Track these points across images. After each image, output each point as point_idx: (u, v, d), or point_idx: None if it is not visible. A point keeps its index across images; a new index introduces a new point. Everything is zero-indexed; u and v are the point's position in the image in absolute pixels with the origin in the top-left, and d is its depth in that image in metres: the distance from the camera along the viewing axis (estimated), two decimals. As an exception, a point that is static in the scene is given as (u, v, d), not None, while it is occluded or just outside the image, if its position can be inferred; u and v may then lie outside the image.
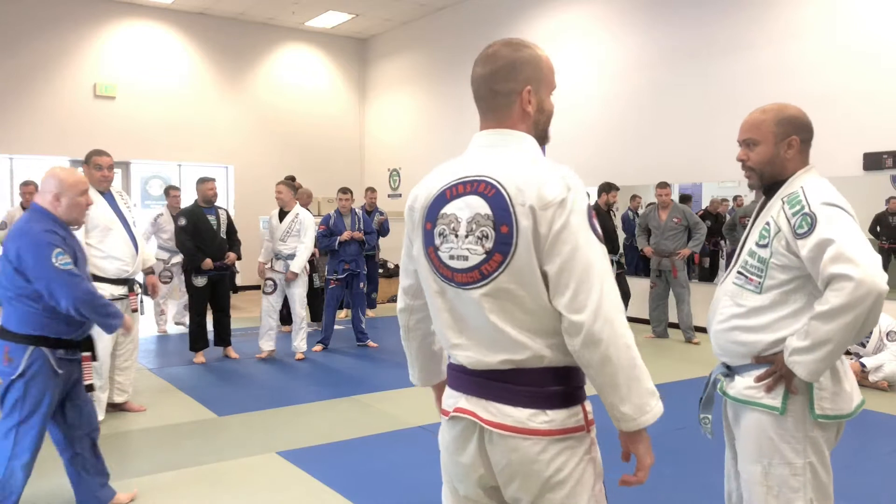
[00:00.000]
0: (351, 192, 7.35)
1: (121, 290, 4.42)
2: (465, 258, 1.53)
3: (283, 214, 6.69)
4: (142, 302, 4.69)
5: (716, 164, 7.84)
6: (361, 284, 7.22)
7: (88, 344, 3.07)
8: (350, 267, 7.07)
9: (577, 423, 1.57)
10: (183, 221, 6.31)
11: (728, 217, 7.91)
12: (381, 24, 12.96)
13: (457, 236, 1.54)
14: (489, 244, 1.50)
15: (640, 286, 8.45)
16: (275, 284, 6.62)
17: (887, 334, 5.53)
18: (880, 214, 6.70)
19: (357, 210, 7.41)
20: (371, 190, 9.38)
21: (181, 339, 7.47)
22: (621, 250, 8.03)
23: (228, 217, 6.71)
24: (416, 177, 12.65)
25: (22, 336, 2.88)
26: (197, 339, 6.48)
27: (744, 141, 2.19)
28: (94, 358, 3.10)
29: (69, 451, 3.11)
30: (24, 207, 7.39)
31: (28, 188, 7.63)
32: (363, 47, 14.10)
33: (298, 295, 6.65)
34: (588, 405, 1.61)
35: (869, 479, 3.73)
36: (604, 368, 1.46)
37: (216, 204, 6.58)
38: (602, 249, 1.49)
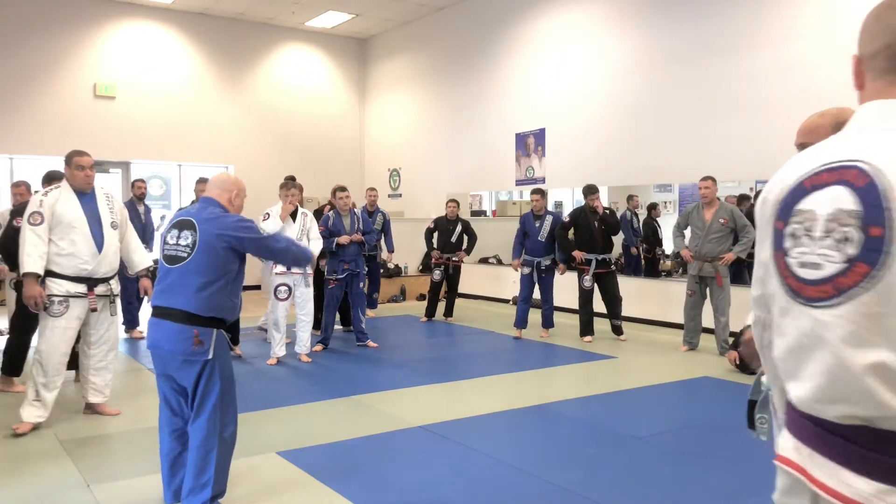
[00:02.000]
0: (348, 190, 7.28)
1: (78, 288, 4.41)
2: (818, 266, 1.19)
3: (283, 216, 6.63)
4: (112, 303, 4.62)
5: (716, 163, 7.84)
6: (361, 284, 7.21)
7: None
8: (350, 267, 7.06)
9: None
10: None
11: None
12: (381, 24, 12.96)
13: (811, 238, 1.20)
14: (851, 249, 1.15)
15: (633, 285, 8.45)
16: (289, 289, 6.56)
17: None
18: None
19: (356, 210, 7.38)
20: (371, 189, 9.34)
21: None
22: (618, 250, 7.83)
23: None
24: (416, 177, 12.71)
25: (208, 319, 3.07)
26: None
27: (800, 144, 2.07)
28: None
29: (184, 442, 3.31)
30: (14, 208, 6.91)
31: (19, 189, 7.21)
32: (363, 47, 14.10)
33: (310, 295, 6.63)
34: None
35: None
36: None
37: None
38: None
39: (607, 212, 7.67)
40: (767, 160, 7.54)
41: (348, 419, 4.78)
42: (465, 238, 9.01)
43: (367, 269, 7.81)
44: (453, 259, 8.96)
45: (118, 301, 4.76)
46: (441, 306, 9.22)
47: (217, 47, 12.51)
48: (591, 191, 7.56)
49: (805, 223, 1.22)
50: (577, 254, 7.55)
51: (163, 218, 12.49)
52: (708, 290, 6.88)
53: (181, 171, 12.48)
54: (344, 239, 6.97)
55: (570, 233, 7.72)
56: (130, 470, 3.81)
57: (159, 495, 3.43)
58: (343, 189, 7.22)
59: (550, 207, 10.43)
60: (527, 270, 7.83)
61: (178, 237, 3.11)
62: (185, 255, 3.06)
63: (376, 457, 4.03)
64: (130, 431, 4.51)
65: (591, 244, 7.52)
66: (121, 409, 4.99)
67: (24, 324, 5.33)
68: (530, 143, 10.41)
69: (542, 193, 7.92)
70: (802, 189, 1.24)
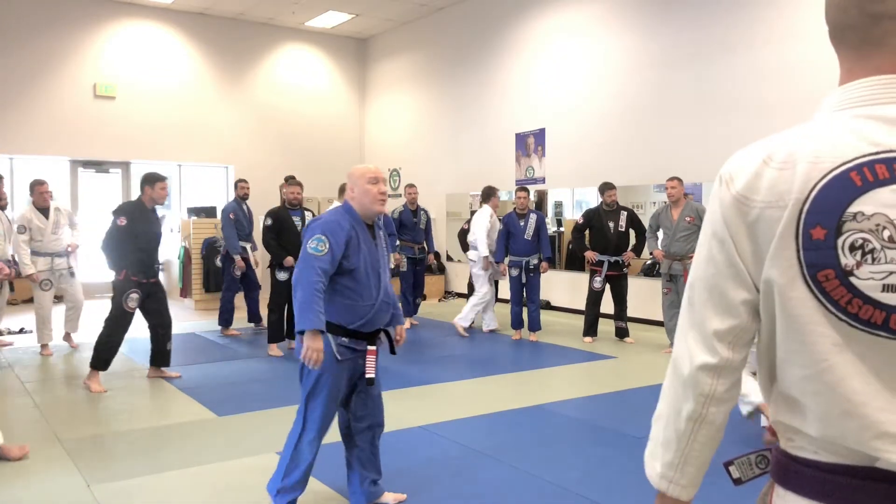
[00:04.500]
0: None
1: None
2: None
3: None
4: None
5: (716, 163, 7.82)
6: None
7: (374, 338, 3.21)
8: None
9: None
10: (269, 221, 6.74)
11: None
12: (381, 24, 12.96)
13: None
14: None
15: (637, 285, 8.45)
16: None
17: None
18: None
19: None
20: (410, 186, 8.73)
21: (181, 339, 7.47)
22: (631, 251, 7.65)
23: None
24: (416, 177, 12.69)
25: None
26: (276, 332, 6.82)
27: None
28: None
29: (350, 442, 3.30)
30: (37, 207, 6.88)
31: (43, 188, 6.91)
32: (363, 47, 14.10)
33: None
34: None
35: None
36: None
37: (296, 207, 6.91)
38: None
39: (628, 212, 7.63)
40: (767, 160, 7.54)
41: (348, 419, 4.77)
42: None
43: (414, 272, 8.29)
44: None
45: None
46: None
47: (217, 47, 12.51)
48: (607, 186, 7.56)
49: (880, 231, 0.96)
50: (590, 254, 7.54)
51: (163, 217, 12.50)
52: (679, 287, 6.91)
53: (181, 171, 12.48)
54: None
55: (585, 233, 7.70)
56: (130, 470, 3.81)
57: (159, 495, 3.43)
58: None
59: (550, 207, 10.46)
60: (514, 272, 7.70)
61: None
62: None
63: (376, 457, 4.03)
64: (130, 431, 4.51)
65: (605, 245, 7.51)
66: (120, 408, 4.98)
67: (117, 323, 5.43)
68: (530, 143, 10.41)
69: (527, 191, 7.85)
70: (850, 184, 0.98)
